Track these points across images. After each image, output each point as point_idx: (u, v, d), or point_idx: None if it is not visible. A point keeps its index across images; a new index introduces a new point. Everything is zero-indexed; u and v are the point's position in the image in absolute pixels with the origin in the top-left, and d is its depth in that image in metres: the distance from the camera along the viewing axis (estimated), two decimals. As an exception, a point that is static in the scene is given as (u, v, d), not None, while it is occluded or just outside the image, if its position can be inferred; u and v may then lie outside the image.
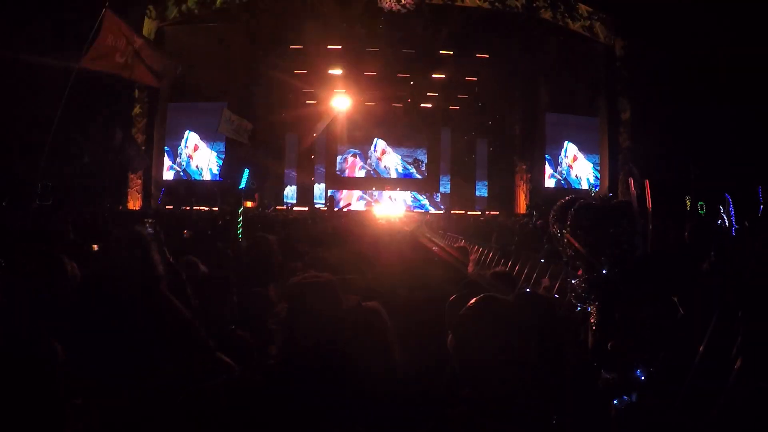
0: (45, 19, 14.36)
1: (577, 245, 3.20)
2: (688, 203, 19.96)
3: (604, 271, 3.16)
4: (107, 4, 7.96)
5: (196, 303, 2.70)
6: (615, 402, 2.85)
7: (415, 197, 26.73)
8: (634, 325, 3.05)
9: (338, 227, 8.56)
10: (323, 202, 24.85)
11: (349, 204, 22.67)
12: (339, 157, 27.04)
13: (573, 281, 3.27)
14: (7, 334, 1.96)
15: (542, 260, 8.04)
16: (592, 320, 3.07)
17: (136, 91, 20.07)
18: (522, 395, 1.89)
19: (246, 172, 6.67)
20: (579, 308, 3.12)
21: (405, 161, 27.25)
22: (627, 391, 2.87)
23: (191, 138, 22.26)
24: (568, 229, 3.18)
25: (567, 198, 3.36)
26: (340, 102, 24.22)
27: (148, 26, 19.81)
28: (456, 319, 2.08)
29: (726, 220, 14.56)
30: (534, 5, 20.33)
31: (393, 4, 18.55)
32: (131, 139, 17.13)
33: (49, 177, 10.05)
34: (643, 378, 2.93)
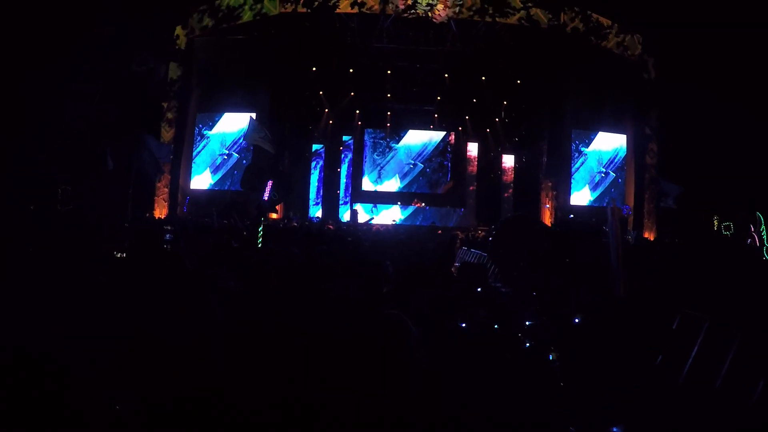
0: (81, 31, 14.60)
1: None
2: (716, 223, 19.61)
3: (576, 320, 2.97)
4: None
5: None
6: None
7: None
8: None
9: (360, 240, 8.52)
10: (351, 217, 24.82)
11: (372, 218, 22.66)
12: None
13: (528, 322, 3.08)
14: (22, 337, 1.94)
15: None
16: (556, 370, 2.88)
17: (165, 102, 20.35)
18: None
19: (269, 183, 6.66)
20: (528, 345, 2.94)
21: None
22: None
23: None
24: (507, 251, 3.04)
25: (510, 216, 3.21)
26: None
27: (181, 37, 20.20)
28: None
29: (757, 239, 14.26)
30: (560, 23, 20.21)
31: (446, 12, 18.47)
32: (159, 147, 17.28)
33: (74, 183, 10.13)
34: None
